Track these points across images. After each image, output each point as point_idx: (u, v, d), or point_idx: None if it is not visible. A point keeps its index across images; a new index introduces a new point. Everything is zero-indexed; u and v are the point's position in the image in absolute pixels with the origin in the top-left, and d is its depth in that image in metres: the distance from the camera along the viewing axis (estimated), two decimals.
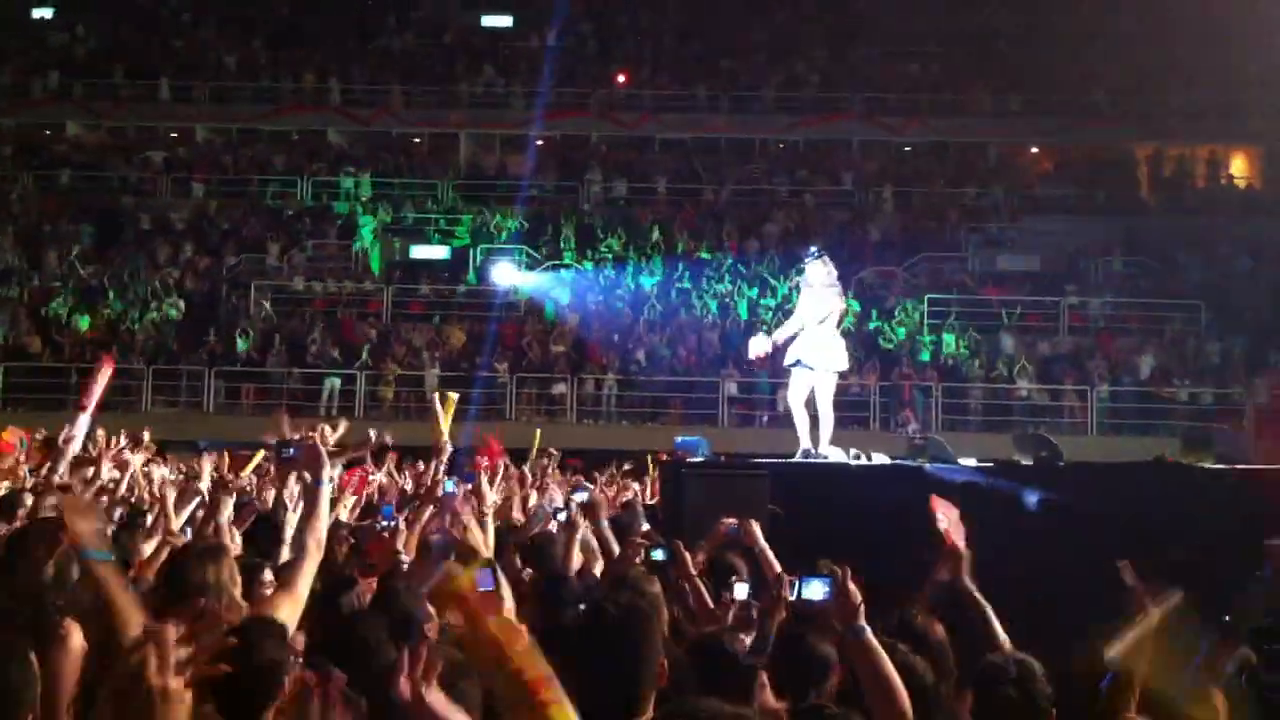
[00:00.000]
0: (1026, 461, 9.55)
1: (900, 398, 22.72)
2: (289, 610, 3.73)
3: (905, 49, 34.08)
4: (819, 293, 10.26)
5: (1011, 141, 33.34)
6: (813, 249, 10.88)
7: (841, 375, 10.70)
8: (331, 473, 4.45)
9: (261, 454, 9.31)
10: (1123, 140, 32.46)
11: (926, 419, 22.06)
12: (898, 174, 32.26)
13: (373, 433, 9.34)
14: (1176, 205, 30.94)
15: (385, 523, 6.64)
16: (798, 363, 10.36)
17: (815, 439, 10.29)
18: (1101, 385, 23.49)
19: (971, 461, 9.95)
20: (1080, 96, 31.43)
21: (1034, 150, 34.07)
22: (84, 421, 7.35)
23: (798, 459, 10.15)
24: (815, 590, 3.96)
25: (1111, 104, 31.52)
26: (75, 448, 7.27)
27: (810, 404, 10.37)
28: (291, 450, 5.08)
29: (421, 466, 10.36)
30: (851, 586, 3.52)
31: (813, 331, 10.24)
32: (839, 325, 10.46)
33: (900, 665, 3.61)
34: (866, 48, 33.98)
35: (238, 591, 3.98)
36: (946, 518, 4.76)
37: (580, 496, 7.51)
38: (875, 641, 3.39)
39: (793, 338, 10.41)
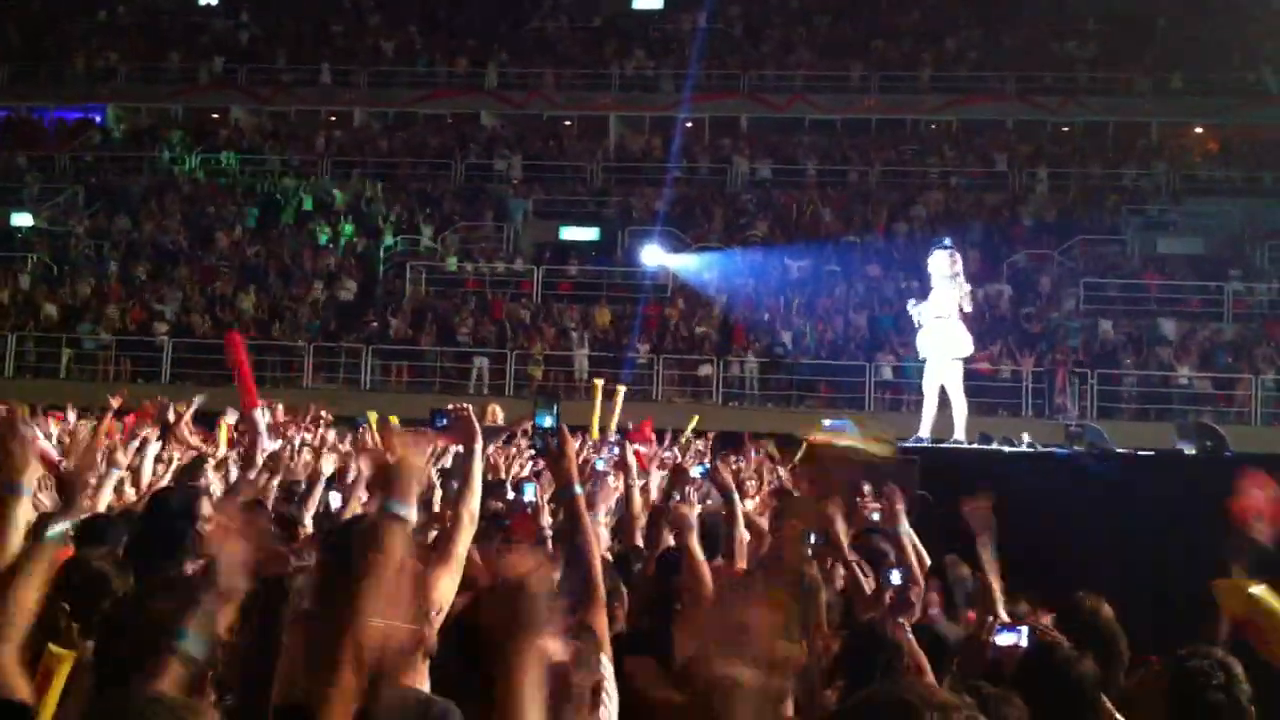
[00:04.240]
0: (1191, 451, 9.29)
1: (1055, 384, 22.19)
2: (448, 582, 3.69)
3: (1061, 27, 33.24)
4: (940, 284, 10.40)
5: (1173, 122, 32.19)
6: (943, 240, 11.07)
7: (967, 360, 10.99)
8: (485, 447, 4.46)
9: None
10: None
11: (1081, 406, 21.54)
12: (1053, 155, 31.43)
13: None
14: None
15: (529, 499, 6.72)
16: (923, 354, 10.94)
17: (951, 426, 10.59)
18: (1268, 372, 22.62)
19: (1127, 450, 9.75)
20: (1245, 75, 30.23)
21: (1198, 130, 32.85)
22: (261, 415, 7.29)
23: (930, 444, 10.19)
24: (1008, 639, 3.95)
25: (1278, 82, 30.23)
26: (264, 442, 7.24)
27: (943, 392, 10.67)
28: (444, 420, 4.99)
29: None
30: None
31: (935, 323, 10.57)
32: (963, 313, 10.55)
33: (1062, 660, 3.74)
34: (1021, 27, 33.20)
35: None
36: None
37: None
38: None
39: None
